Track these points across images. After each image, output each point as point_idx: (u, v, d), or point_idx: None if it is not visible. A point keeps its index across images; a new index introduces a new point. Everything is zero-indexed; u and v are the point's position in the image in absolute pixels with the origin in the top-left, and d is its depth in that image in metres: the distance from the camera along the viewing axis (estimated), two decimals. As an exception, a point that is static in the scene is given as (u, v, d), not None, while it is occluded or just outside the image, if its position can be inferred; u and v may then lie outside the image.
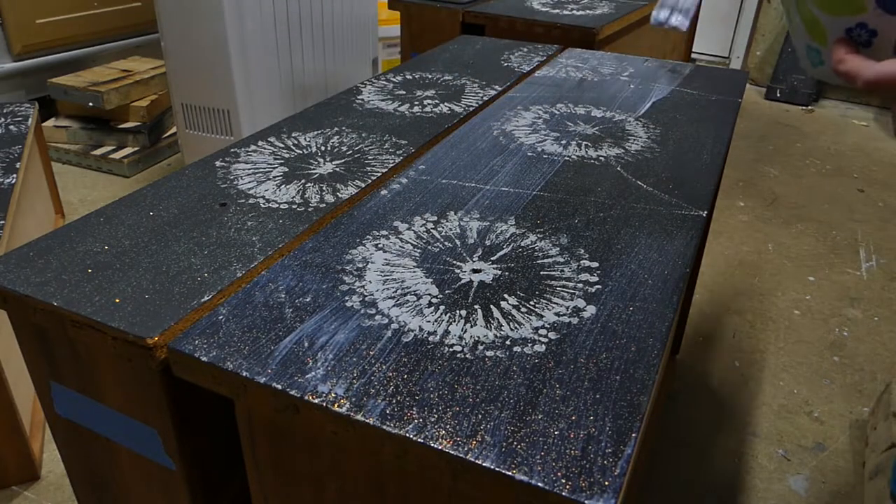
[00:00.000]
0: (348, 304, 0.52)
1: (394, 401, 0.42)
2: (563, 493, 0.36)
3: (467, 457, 0.38)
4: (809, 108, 2.98)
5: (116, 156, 2.20)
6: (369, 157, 0.78)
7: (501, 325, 0.50)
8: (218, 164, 0.76)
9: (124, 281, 0.54)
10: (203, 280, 0.54)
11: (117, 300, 0.51)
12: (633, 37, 1.78)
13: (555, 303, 0.52)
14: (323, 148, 0.81)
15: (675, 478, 1.16)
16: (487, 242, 0.61)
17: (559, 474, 0.37)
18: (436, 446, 0.39)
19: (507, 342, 0.48)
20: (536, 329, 0.49)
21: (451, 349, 0.47)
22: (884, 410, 1.19)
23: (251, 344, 0.47)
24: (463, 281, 0.55)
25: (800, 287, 1.71)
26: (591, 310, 0.51)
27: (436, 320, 0.50)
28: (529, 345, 0.48)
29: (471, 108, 0.95)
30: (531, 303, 0.52)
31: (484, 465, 0.38)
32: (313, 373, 0.44)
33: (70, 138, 2.27)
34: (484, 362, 0.46)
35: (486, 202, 0.68)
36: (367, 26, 2.23)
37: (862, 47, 0.52)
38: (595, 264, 0.58)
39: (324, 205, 0.67)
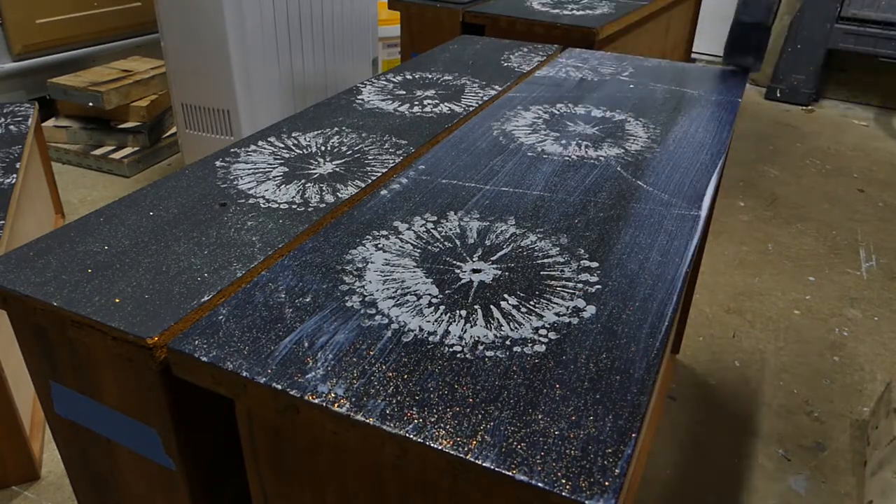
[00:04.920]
0: (348, 304, 0.51)
1: (394, 401, 0.42)
2: (564, 493, 0.36)
3: (467, 457, 0.38)
4: (809, 108, 2.98)
5: (116, 156, 2.20)
6: (369, 157, 0.78)
7: (501, 325, 0.50)
8: (218, 164, 0.75)
9: (124, 281, 0.54)
10: (203, 280, 0.54)
11: (117, 300, 0.51)
12: (633, 37, 1.78)
13: (555, 303, 0.52)
14: (323, 148, 0.81)
15: (675, 478, 1.16)
16: (487, 242, 0.61)
17: (559, 474, 0.37)
18: (436, 446, 0.39)
19: (507, 342, 0.48)
20: (536, 329, 0.49)
21: (451, 349, 0.47)
22: (885, 409, 1.19)
23: (251, 344, 0.47)
24: (463, 281, 0.55)
25: (800, 287, 1.70)
26: (591, 310, 0.51)
27: (436, 320, 0.50)
28: (529, 345, 0.48)
29: (471, 108, 0.95)
30: (531, 303, 0.52)
31: (484, 465, 0.38)
32: (313, 373, 0.44)
33: (70, 138, 2.27)
34: (484, 362, 0.46)
35: (486, 202, 0.68)
36: (367, 26, 2.23)
37: None
38: (595, 264, 0.58)
39: (324, 205, 0.67)
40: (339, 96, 0.98)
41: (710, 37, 3.26)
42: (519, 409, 0.42)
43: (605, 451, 0.39)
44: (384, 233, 0.62)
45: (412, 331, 0.49)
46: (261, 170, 0.74)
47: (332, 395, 0.43)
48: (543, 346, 0.47)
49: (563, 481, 0.37)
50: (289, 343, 0.47)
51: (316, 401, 0.42)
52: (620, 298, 0.53)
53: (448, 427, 0.40)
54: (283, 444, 0.48)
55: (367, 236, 0.61)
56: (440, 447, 0.39)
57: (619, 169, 0.76)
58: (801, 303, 1.64)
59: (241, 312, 0.50)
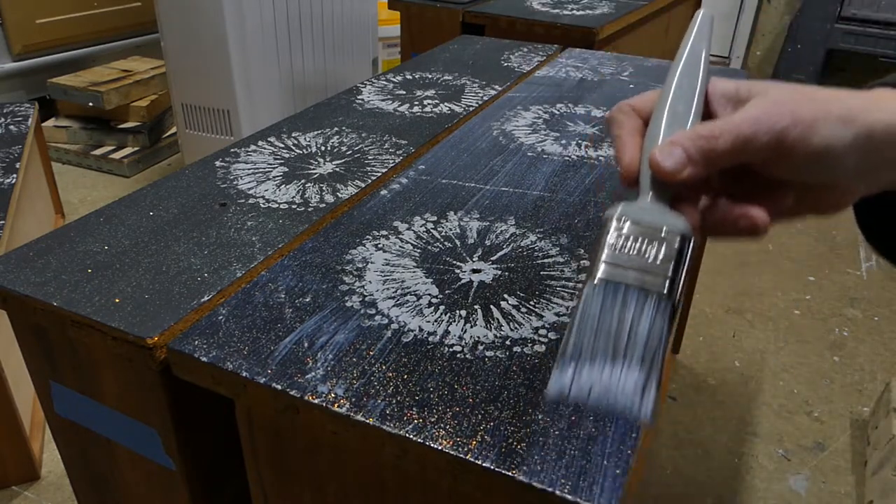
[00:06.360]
0: (348, 304, 0.52)
1: (394, 401, 0.42)
2: (563, 494, 0.36)
3: (467, 457, 0.38)
4: (809, 107, 2.98)
5: (116, 156, 2.20)
6: (369, 157, 0.78)
7: (501, 325, 0.50)
8: (218, 164, 0.75)
9: (124, 281, 0.54)
10: (203, 280, 0.54)
11: (117, 300, 0.51)
12: (633, 37, 1.78)
13: (555, 303, 0.52)
14: (323, 148, 0.81)
15: (675, 478, 1.16)
16: (487, 242, 0.61)
17: (559, 474, 0.37)
18: (436, 446, 0.39)
19: (507, 342, 0.48)
20: (536, 329, 0.49)
21: (450, 349, 0.47)
22: (885, 409, 1.19)
23: (251, 344, 0.47)
24: (463, 281, 0.55)
25: (800, 287, 1.70)
26: (591, 310, 0.51)
27: (436, 320, 0.50)
28: (529, 345, 0.48)
29: (471, 108, 0.95)
30: (531, 303, 0.52)
31: (484, 465, 0.38)
32: (313, 373, 0.44)
33: (70, 138, 2.27)
34: (484, 362, 0.46)
35: (486, 202, 0.68)
36: (367, 26, 2.23)
37: None
38: (595, 264, 0.58)
39: (324, 205, 0.67)
40: (339, 96, 0.98)
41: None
42: (519, 409, 0.42)
43: (605, 451, 0.39)
44: (384, 233, 0.62)
45: (412, 331, 0.49)
46: (261, 170, 0.74)
47: (332, 395, 0.43)
48: (543, 347, 0.47)
49: (563, 481, 0.37)
50: (289, 343, 0.47)
51: (316, 401, 0.42)
52: (620, 298, 0.53)
53: (448, 427, 0.40)
54: (283, 444, 0.48)
55: (367, 236, 0.61)
56: (440, 447, 0.39)
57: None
58: (801, 303, 1.64)
59: (241, 312, 0.50)
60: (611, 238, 0.40)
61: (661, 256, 0.39)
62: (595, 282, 0.39)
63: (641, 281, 0.39)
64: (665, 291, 0.38)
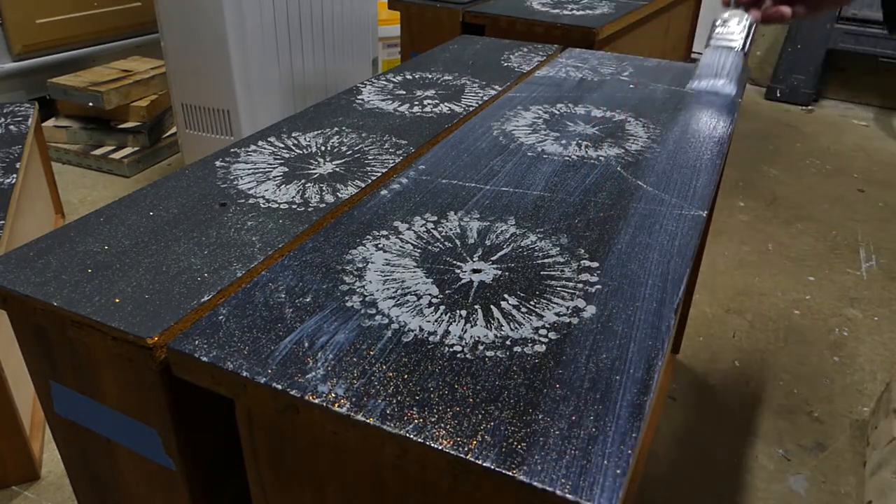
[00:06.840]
0: (348, 304, 0.52)
1: (394, 401, 0.42)
2: (564, 493, 0.36)
3: (467, 457, 0.38)
4: (809, 107, 2.98)
5: (116, 156, 2.20)
6: (369, 157, 0.78)
7: (501, 325, 0.50)
8: (218, 164, 0.76)
9: (124, 281, 0.54)
10: (203, 280, 0.54)
11: (117, 300, 0.51)
12: (633, 37, 1.78)
13: (555, 303, 0.52)
14: (323, 148, 0.81)
15: (675, 478, 1.16)
16: (487, 242, 0.61)
17: (559, 474, 0.37)
18: (436, 446, 0.39)
19: (508, 342, 0.48)
20: (536, 329, 0.49)
21: (451, 349, 0.47)
22: (885, 409, 1.19)
23: (251, 344, 0.47)
24: (463, 281, 0.55)
25: (800, 287, 1.71)
26: (591, 310, 0.52)
27: (436, 320, 0.50)
28: (529, 345, 0.48)
29: (471, 108, 0.95)
30: (531, 303, 0.52)
31: (484, 465, 0.38)
32: (313, 373, 0.44)
33: (70, 138, 2.27)
34: (484, 362, 0.46)
35: (486, 202, 0.68)
36: (367, 26, 2.23)
37: None
38: (595, 264, 0.58)
39: (324, 205, 0.67)
40: (339, 96, 0.98)
41: (710, 37, 3.25)
42: (519, 409, 0.42)
43: (606, 451, 0.39)
44: (384, 233, 0.62)
45: (412, 331, 0.49)
46: (261, 170, 0.74)
47: (333, 395, 0.43)
48: (543, 346, 0.47)
49: (563, 481, 0.37)
50: (289, 343, 0.47)
51: (316, 401, 0.42)
52: (621, 298, 0.53)
53: (448, 427, 0.40)
54: (283, 444, 0.48)
55: (368, 236, 0.61)
56: (440, 447, 0.39)
57: (619, 169, 0.76)
58: (801, 303, 1.64)
59: (241, 312, 0.50)
60: (718, 24, 0.93)
61: (739, 30, 0.92)
62: (710, 46, 0.94)
63: (729, 42, 0.93)
64: (740, 48, 0.93)
